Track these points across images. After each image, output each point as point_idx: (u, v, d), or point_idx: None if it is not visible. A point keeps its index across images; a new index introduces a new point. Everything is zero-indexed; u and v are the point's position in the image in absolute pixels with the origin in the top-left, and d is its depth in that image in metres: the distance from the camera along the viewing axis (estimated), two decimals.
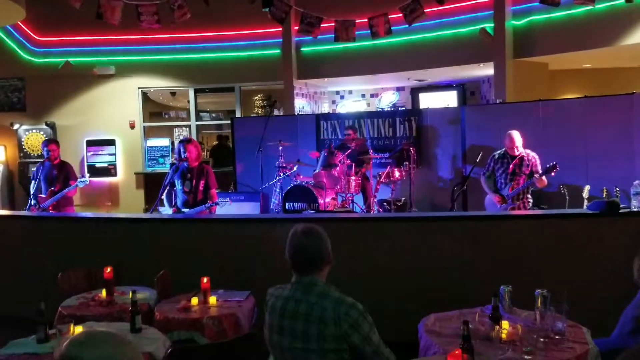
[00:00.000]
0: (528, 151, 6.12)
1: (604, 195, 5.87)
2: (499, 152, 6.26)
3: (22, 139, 10.85)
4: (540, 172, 5.92)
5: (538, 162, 6.07)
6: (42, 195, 6.53)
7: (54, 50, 11.00)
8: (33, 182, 6.63)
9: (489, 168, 6.29)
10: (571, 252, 4.36)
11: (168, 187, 5.82)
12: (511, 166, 6.06)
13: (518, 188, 6.00)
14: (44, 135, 10.78)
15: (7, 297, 5.16)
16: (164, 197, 5.89)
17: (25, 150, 10.85)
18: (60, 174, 6.55)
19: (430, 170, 7.91)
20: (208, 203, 5.61)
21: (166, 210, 5.87)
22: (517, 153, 6.07)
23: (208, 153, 12.02)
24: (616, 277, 4.16)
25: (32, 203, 6.51)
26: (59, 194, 6.45)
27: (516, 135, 6.08)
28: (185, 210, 5.69)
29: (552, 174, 5.82)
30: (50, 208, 6.44)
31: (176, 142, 11.45)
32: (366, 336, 2.40)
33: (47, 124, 10.89)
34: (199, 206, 5.63)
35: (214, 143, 12.54)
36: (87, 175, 6.55)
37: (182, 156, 5.72)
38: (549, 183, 6.04)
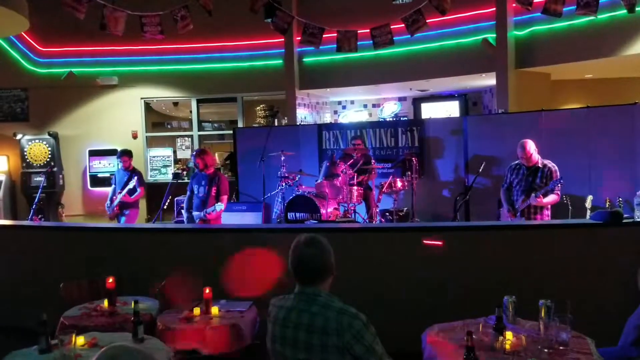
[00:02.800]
0: (547, 161, 5.78)
1: (607, 206, 5.86)
2: (515, 162, 5.96)
3: (25, 149, 10.88)
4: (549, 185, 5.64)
5: (557, 173, 5.69)
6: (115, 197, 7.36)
7: (57, 61, 11.09)
8: (112, 187, 7.56)
9: (507, 180, 6.00)
10: (574, 262, 4.35)
11: (188, 193, 6.56)
12: (525, 177, 5.78)
13: (525, 203, 5.70)
14: (47, 146, 10.82)
15: (7, 307, 5.15)
16: (184, 202, 6.64)
17: (27, 160, 10.87)
18: (129, 180, 7.34)
19: (432, 180, 7.91)
20: (207, 210, 6.16)
21: (184, 213, 6.56)
22: (530, 163, 5.76)
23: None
24: (619, 287, 4.16)
25: (111, 206, 7.36)
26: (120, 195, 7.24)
27: (528, 144, 5.74)
28: (196, 213, 6.30)
29: (558, 192, 5.63)
30: (117, 209, 7.31)
31: (179, 152, 11.56)
32: (369, 347, 2.39)
33: (49, 134, 10.92)
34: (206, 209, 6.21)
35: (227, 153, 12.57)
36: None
37: (194, 165, 6.50)
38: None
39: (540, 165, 5.76)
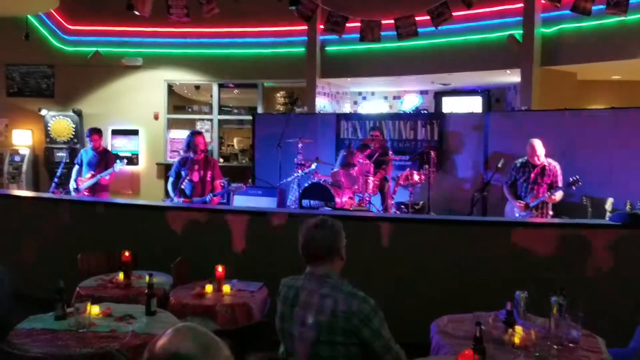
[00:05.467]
0: (550, 160, 6.04)
1: (627, 208, 5.79)
2: (520, 160, 6.19)
3: (49, 125, 11.04)
4: (560, 183, 5.86)
5: (559, 172, 5.99)
6: (82, 178, 6.93)
7: (84, 40, 11.19)
8: (76, 167, 7.10)
9: (511, 177, 6.22)
10: (592, 262, 4.31)
11: (173, 178, 6.18)
12: (532, 175, 5.99)
13: (538, 199, 5.92)
14: (71, 122, 10.97)
15: (27, 276, 5.26)
16: (169, 187, 6.24)
17: (51, 135, 11.04)
18: (101, 160, 6.99)
19: (450, 174, 7.87)
20: (210, 194, 5.96)
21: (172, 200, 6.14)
22: (538, 162, 6.00)
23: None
24: (637, 288, 4.12)
25: (74, 187, 6.91)
26: (95, 177, 6.82)
27: (537, 144, 6.00)
28: (195, 199, 6.03)
29: (574, 187, 5.77)
30: (86, 191, 6.80)
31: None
32: (376, 331, 2.41)
33: (74, 111, 11.07)
34: (205, 196, 5.99)
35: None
36: (124, 161, 6.86)
37: (191, 147, 6.07)
38: (570, 194, 5.96)
39: (545, 163, 6.01)
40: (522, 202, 6.01)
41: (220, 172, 6.25)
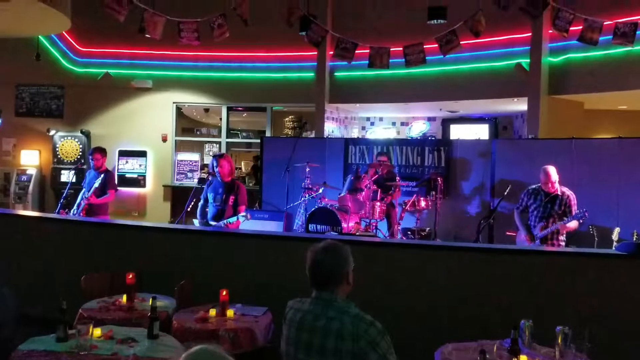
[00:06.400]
0: (564, 189, 5.82)
1: (634, 239, 5.76)
2: (533, 186, 5.99)
3: (57, 145, 11.16)
4: (574, 213, 5.69)
5: (574, 202, 5.77)
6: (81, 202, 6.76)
7: (94, 61, 11.38)
8: (83, 189, 6.87)
9: (522, 203, 6.05)
10: (598, 291, 4.28)
11: (202, 201, 6.08)
12: (543, 204, 5.81)
13: (547, 230, 5.75)
14: (79, 143, 11.08)
15: (30, 297, 5.26)
16: (197, 211, 6.14)
17: (59, 156, 11.14)
18: (100, 181, 6.71)
19: (457, 201, 7.86)
20: (226, 220, 5.76)
21: (197, 223, 6.09)
22: (552, 190, 5.78)
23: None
24: None
25: (79, 210, 6.68)
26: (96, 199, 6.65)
27: (552, 171, 5.79)
28: (213, 223, 5.88)
29: (581, 221, 5.66)
30: (83, 214, 6.61)
31: (206, 158, 11.66)
32: (383, 356, 2.40)
33: (82, 132, 11.19)
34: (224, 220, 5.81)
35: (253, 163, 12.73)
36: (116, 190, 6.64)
37: (214, 170, 5.94)
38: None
39: (559, 192, 5.80)
40: (528, 234, 5.88)
41: (246, 198, 6.03)
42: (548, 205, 5.81)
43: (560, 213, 5.77)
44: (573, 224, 5.72)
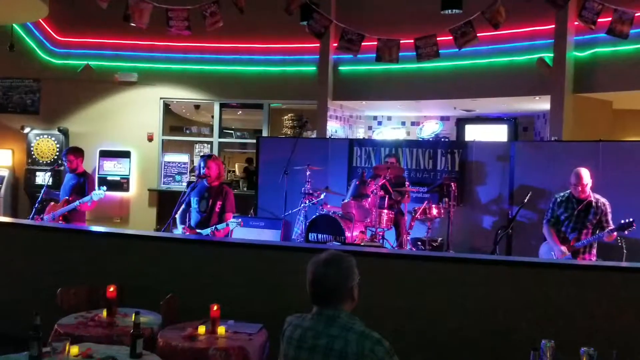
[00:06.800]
0: (598, 196, 5.73)
1: None
2: (562, 194, 5.89)
3: (32, 145, 11.17)
4: (612, 225, 5.58)
5: (609, 210, 5.69)
6: (54, 204, 6.76)
7: (74, 52, 11.40)
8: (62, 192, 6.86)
9: (552, 214, 5.91)
10: (628, 310, 4.26)
11: (184, 206, 6.02)
12: (576, 212, 5.70)
13: (584, 241, 5.63)
14: (56, 142, 11.09)
15: (1, 312, 5.26)
16: (177, 216, 6.10)
17: (34, 156, 11.16)
18: (79, 185, 6.72)
19: (472, 209, 7.86)
20: (213, 227, 5.76)
21: (178, 231, 6.04)
22: (582, 195, 5.67)
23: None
24: None
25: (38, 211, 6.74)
26: (70, 204, 6.60)
27: (585, 173, 5.66)
28: (199, 231, 5.86)
29: (626, 232, 5.55)
30: (60, 219, 6.60)
31: (197, 160, 11.64)
32: None
33: (59, 130, 11.20)
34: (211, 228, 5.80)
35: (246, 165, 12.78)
36: (103, 187, 6.67)
37: (201, 172, 5.89)
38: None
39: (592, 199, 5.70)
40: (564, 245, 5.70)
41: (234, 205, 6.04)
42: (581, 214, 5.70)
43: (595, 223, 5.66)
44: (613, 235, 5.60)
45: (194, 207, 5.96)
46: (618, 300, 4.30)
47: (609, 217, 5.70)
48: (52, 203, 6.84)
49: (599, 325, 4.20)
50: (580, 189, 5.67)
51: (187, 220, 6.04)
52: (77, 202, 6.56)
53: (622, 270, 4.80)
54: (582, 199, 5.71)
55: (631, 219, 5.48)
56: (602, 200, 5.73)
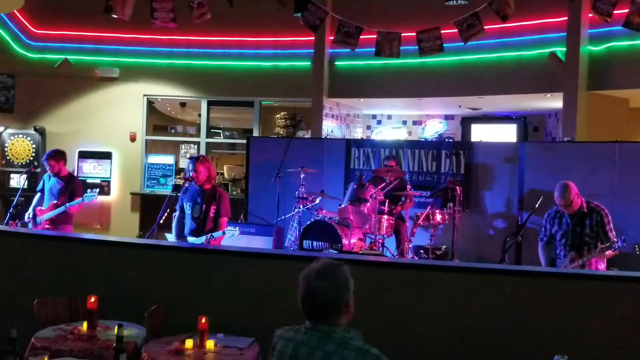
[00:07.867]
0: (593, 204, 5.71)
1: None
2: (554, 208, 5.89)
3: (6, 145, 11.18)
4: (611, 233, 5.54)
5: (608, 218, 5.63)
6: (42, 208, 6.91)
7: (51, 46, 11.40)
8: (38, 194, 7.15)
9: (545, 232, 5.96)
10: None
11: (178, 212, 6.08)
12: (572, 228, 5.69)
13: (579, 261, 5.58)
14: (32, 142, 11.09)
15: None
16: (173, 224, 6.16)
17: (8, 157, 11.16)
18: (66, 188, 6.93)
19: (478, 215, 7.89)
20: (208, 235, 5.77)
21: (172, 239, 6.07)
22: (573, 210, 5.64)
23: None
24: None
25: (30, 216, 6.95)
26: (59, 208, 6.79)
27: (570, 190, 5.58)
28: (192, 239, 5.88)
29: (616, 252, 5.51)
30: (47, 223, 6.76)
31: (182, 161, 11.66)
32: None
33: (36, 129, 11.20)
34: (206, 235, 5.79)
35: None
36: (95, 190, 6.84)
37: (188, 175, 5.93)
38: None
39: (585, 210, 5.66)
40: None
41: (229, 209, 6.07)
42: (577, 229, 5.68)
43: (593, 236, 5.62)
44: (608, 253, 5.55)
45: (188, 213, 5.98)
46: (633, 313, 4.33)
47: (608, 227, 5.63)
48: (40, 208, 6.97)
49: (617, 340, 4.23)
50: (563, 203, 5.63)
51: (182, 227, 6.03)
52: (67, 205, 6.76)
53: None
54: (574, 212, 5.68)
55: (622, 237, 5.44)
56: (598, 209, 5.67)
